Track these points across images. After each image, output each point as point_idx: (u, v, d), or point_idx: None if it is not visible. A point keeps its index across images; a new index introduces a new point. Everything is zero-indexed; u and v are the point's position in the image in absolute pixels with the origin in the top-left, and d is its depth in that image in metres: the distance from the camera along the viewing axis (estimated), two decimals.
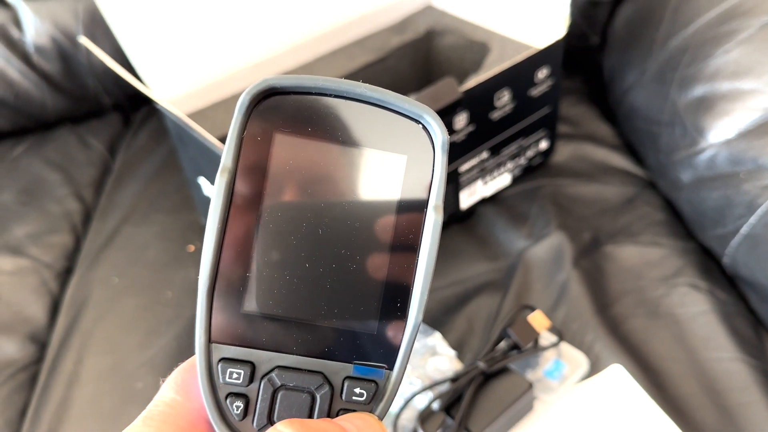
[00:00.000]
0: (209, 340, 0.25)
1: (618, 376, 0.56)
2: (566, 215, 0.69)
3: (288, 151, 0.25)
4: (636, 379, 0.56)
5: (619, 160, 0.77)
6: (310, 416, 0.25)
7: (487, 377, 0.54)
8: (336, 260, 0.25)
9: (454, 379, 0.53)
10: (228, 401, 0.25)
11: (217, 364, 0.25)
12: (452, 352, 0.57)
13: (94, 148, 0.90)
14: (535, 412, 0.55)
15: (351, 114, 0.25)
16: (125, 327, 0.67)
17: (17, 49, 0.90)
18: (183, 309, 0.67)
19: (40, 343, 0.67)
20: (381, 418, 0.25)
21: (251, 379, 0.25)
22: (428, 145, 0.26)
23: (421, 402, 0.53)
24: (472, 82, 0.61)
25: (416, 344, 0.58)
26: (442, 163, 0.25)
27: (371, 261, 0.25)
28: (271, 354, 0.25)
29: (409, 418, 0.53)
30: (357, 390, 0.25)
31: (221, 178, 0.25)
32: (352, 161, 0.25)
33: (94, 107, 0.97)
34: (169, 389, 0.26)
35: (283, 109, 0.25)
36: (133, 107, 0.98)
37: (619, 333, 0.60)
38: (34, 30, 0.89)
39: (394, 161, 0.25)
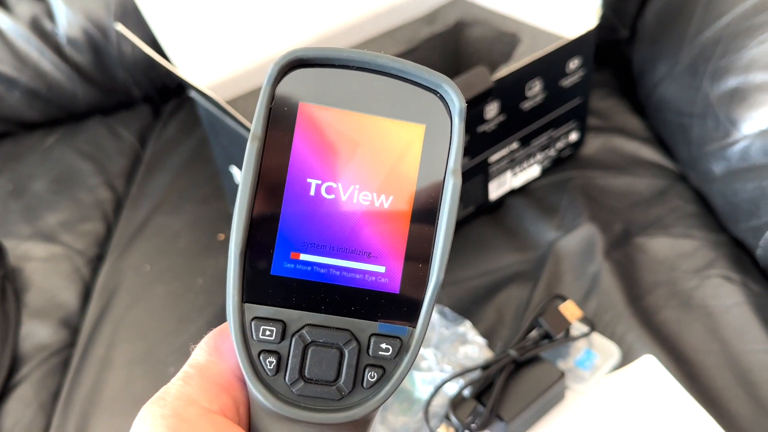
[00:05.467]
0: (242, 300, 0.26)
1: (650, 366, 0.56)
2: (597, 207, 0.69)
3: (312, 119, 0.26)
4: (669, 370, 0.55)
5: (649, 153, 0.77)
6: (339, 370, 0.26)
7: (519, 365, 0.53)
8: (359, 224, 0.27)
9: (485, 367, 0.53)
10: (261, 357, 0.26)
11: (251, 322, 0.26)
12: (483, 341, 0.57)
13: (124, 138, 0.92)
14: (567, 402, 0.55)
15: (372, 85, 0.27)
16: (157, 313, 0.68)
17: (50, 41, 0.91)
18: (214, 296, 0.68)
19: (72, 328, 0.68)
20: (405, 373, 0.27)
21: (283, 336, 0.26)
22: (446, 113, 0.27)
23: (452, 389, 0.53)
24: (504, 71, 0.61)
25: (446, 332, 0.58)
26: (459, 130, 0.27)
27: (393, 225, 0.27)
28: (301, 313, 0.26)
29: (440, 404, 0.53)
30: (383, 346, 0.26)
31: (251, 145, 0.26)
32: (373, 130, 0.27)
33: (124, 99, 0.98)
34: (203, 352, 0.27)
35: (308, 80, 0.27)
36: (162, 99, 0.99)
37: (652, 324, 0.59)
38: (66, 22, 0.91)
39: (414, 130, 0.27)
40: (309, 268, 0.27)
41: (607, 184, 0.72)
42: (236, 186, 0.70)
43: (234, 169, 0.68)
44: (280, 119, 0.26)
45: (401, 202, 0.27)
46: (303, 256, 0.27)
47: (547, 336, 0.55)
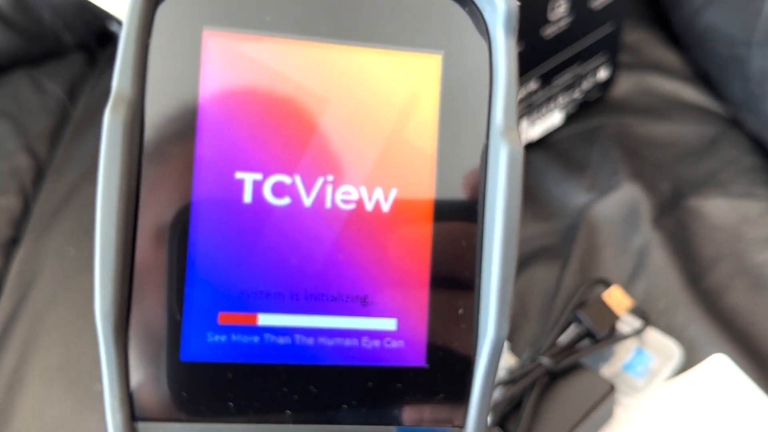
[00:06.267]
0: (132, 417, 0.15)
1: (723, 369, 0.43)
2: (637, 161, 0.55)
3: (232, 60, 0.15)
4: (745, 371, 0.43)
5: (691, 94, 0.63)
6: None
7: (554, 377, 0.40)
8: (342, 247, 0.16)
9: (509, 381, 0.40)
10: None
11: None
12: None
13: (50, 92, 0.76)
14: (616, 421, 0.41)
15: None
16: (83, 311, 0.55)
17: None
18: None
19: None
20: None
21: None
22: (477, 28, 0.16)
23: None
24: None
25: None
26: (508, 52, 0.16)
27: (404, 241, 0.16)
28: (249, 428, 0.16)
29: None
30: None
31: (113, 117, 0.16)
32: (350, 72, 0.15)
33: (54, 47, 0.82)
34: None
35: None
36: (99, 45, 0.83)
37: (718, 311, 0.46)
38: None
39: (423, 64, 0.16)
40: (256, 340, 0.16)
41: (646, 132, 0.58)
42: None
43: None
44: (171, 63, 0.15)
45: (414, 198, 0.16)
46: (244, 318, 0.15)
47: (588, 335, 0.42)
